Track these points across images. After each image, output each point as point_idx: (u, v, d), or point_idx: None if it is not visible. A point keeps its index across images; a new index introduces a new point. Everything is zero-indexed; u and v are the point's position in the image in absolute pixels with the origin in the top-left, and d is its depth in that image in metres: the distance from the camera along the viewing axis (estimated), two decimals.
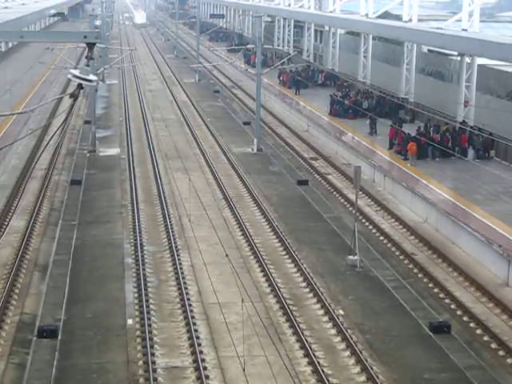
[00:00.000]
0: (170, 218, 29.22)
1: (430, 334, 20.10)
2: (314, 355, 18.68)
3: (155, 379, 17.80)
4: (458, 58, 41.20)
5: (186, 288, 22.77)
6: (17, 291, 22.74)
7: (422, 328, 20.42)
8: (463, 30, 39.97)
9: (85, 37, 12.37)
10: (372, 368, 18.07)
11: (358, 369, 18.33)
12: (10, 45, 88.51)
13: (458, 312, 21.81)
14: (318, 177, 36.43)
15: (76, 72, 11.73)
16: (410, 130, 38.40)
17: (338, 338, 19.85)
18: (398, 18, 49.75)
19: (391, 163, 35.53)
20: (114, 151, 41.14)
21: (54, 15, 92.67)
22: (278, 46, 74.93)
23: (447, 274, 24.65)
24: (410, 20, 46.06)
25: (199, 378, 17.85)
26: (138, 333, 20.04)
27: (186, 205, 30.16)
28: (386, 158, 36.52)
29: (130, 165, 37.60)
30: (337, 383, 17.83)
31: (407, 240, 27.74)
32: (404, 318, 21.10)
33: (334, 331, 20.26)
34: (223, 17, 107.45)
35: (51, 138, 36.89)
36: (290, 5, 72.04)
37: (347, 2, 59.17)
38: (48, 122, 44.67)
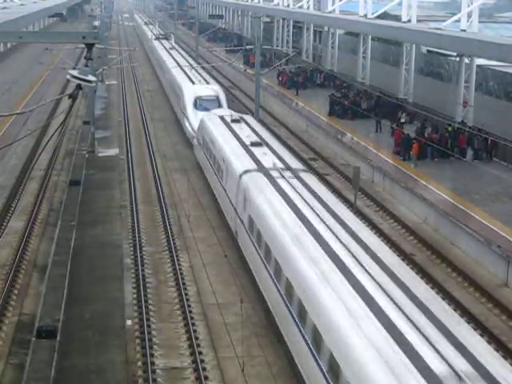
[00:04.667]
0: (169, 219, 29.22)
1: None
2: None
3: (154, 380, 17.79)
4: (457, 59, 41.23)
5: (184, 288, 22.77)
6: (16, 292, 22.74)
7: None
8: (462, 30, 39.99)
9: (83, 37, 12.37)
10: None
11: None
12: (9, 45, 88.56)
13: (457, 313, 21.77)
14: (317, 177, 36.36)
15: (75, 72, 11.73)
16: (408, 130, 38.43)
17: None
18: (397, 18, 49.75)
19: (390, 164, 35.50)
20: (113, 152, 41.10)
21: (52, 15, 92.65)
22: (277, 46, 74.92)
23: (446, 274, 24.65)
24: (409, 20, 46.08)
25: (198, 378, 17.85)
26: (136, 333, 20.03)
27: (184, 205, 30.15)
28: (385, 158, 36.47)
29: (129, 165, 37.60)
30: None
31: (406, 240, 27.75)
32: None
33: None
34: (222, 17, 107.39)
35: (50, 139, 36.80)
36: (288, 5, 72.03)
37: (346, 2, 59.15)
38: (47, 122, 44.62)
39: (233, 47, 77.54)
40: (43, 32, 50.60)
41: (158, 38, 76.87)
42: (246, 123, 32.22)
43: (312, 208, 19.96)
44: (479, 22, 41.66)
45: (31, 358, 18.33)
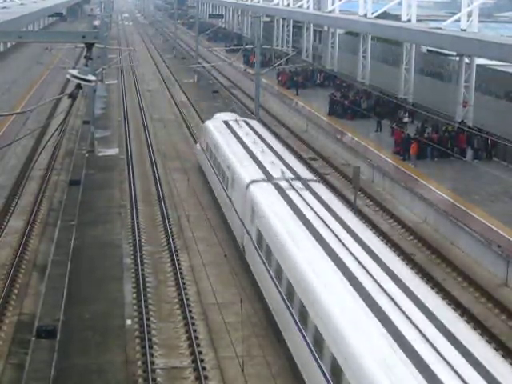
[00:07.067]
0: (168, 219, 29.20)
1: None
2: None
3: (154, 379, 17.79)
4: (457, 59, 41.20)
5: (184, 288, 22.75)
6: (15, 291, 22.74)
7: None
8: (462, 30, 39.96)
9: (83, 37, 12.36)
10: None
11: None
12: (9, 45, 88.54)
13: (457, 312, 21.76)
14: (317, 177, 36.36)
15: (75, 72, 11.72)
16: (408, 130, 38.43)
17: None
18: (397, 18, 49.73)
19: (390, 163, 35.50)
20: (112, 151, 41.10)
21: (52, 15, 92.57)
22: (277, 46, 74.90)
23: (446, 274, 24.64)
24: (409, 20, 46.06)
25: (198, 378, 17.84)
26: (136, 333, 20.02)
27: (184, 205, 30.14)
28: (385, 158, 36.46)
29: (128, 165, 37.58)
30: None
31: (406, 240, 27.73)
32: None
33: None
34: (222, 17, 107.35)
35: (50, 139, 36.86)
36: (288, 5, 72.01)
37: (346, 2, 59.12)
38: (47, 122, 44.61)
39: (233, 47, 77.49)
40: (43, 31, 50.50)
41: None
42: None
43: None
44: (479, 21, 41.63)
45: (31, 357, 18.34)
